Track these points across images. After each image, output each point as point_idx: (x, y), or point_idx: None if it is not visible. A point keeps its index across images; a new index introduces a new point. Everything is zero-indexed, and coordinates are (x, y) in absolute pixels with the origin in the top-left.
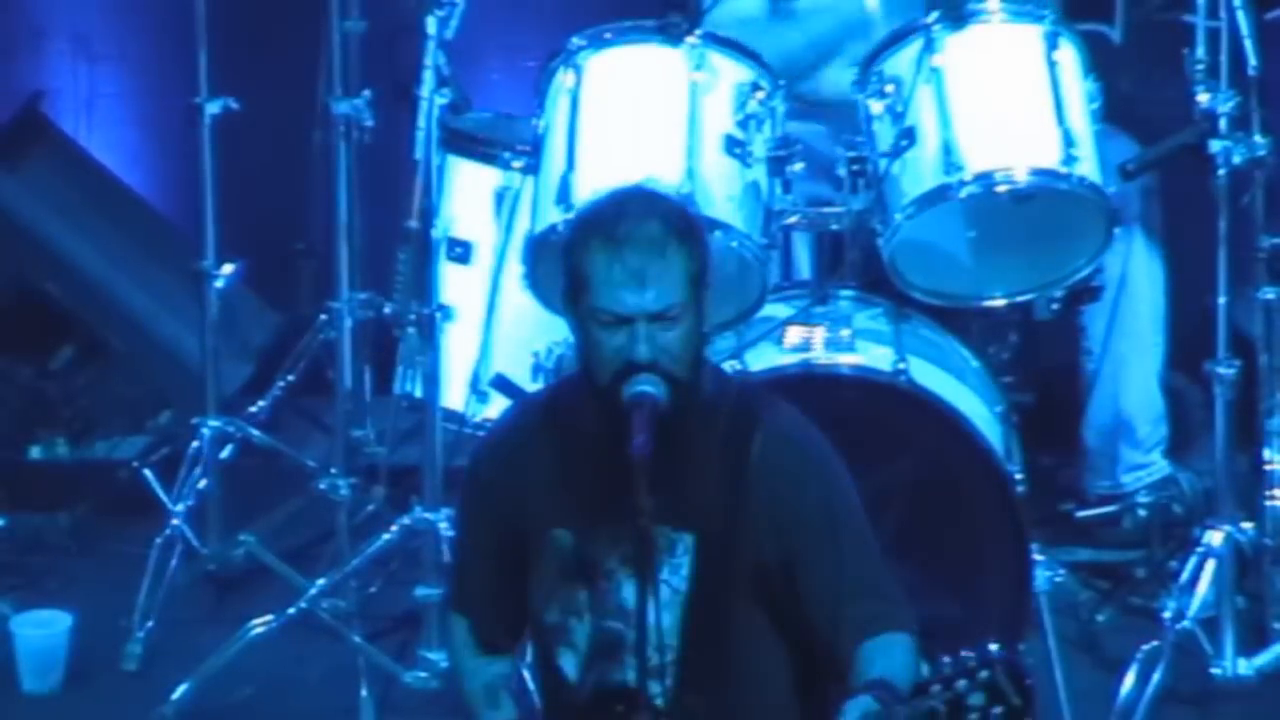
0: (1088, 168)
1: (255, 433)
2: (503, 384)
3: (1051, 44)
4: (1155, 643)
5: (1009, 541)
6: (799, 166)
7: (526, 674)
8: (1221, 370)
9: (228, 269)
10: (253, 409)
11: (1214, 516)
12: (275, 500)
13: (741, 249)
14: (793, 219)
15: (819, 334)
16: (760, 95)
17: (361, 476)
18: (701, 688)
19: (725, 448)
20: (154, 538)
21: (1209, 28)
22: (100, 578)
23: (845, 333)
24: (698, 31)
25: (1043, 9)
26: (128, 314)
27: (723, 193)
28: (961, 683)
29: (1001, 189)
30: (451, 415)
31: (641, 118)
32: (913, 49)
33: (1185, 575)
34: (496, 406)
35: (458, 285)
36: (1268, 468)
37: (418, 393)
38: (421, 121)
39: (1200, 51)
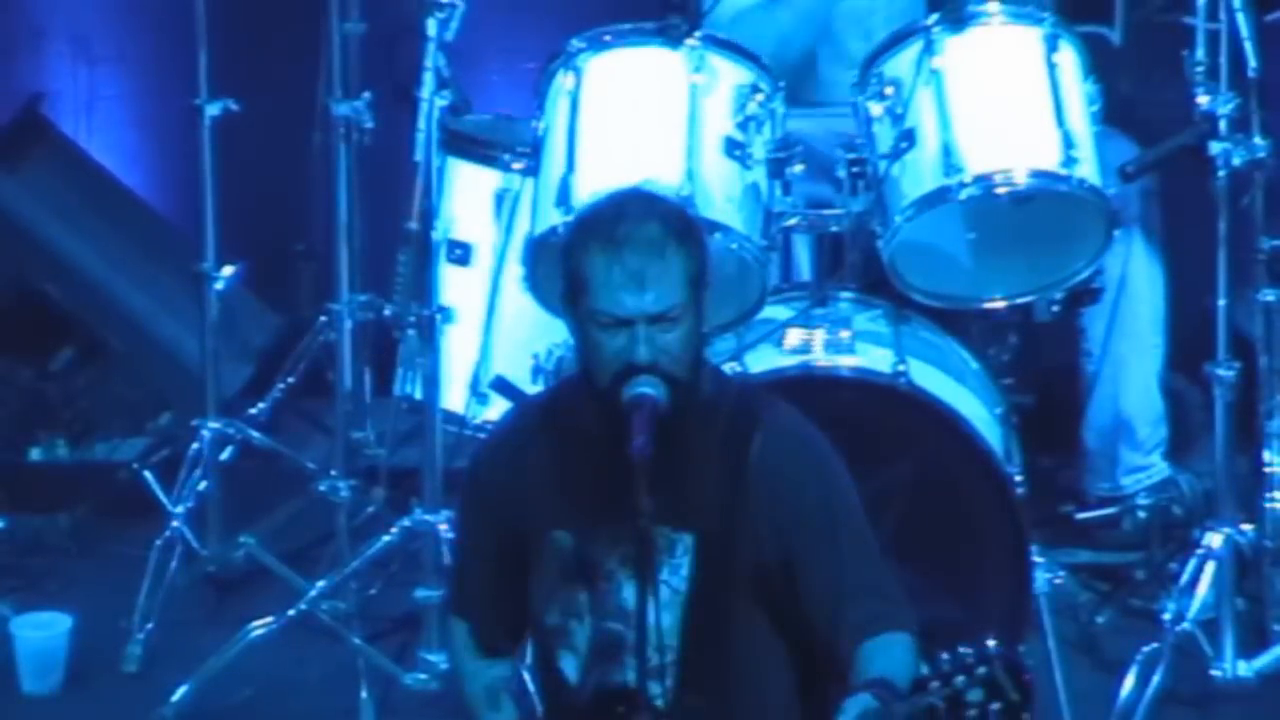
0: (1087, 169)
1: (255, 434)
2: (503, 386)
3: (1051, 46)
4: (1155, 644)
5: (1009, 543)
6: (799, 168)
7: (527, 676)
8: (1221, 372)
9: (228, 270)
10: (253, 411)
11: (1214, 518)
12: (275, 502)
13: (741, 251)
14: (792, 221)
15: (819, 336)
16: (760, 97)
17: (361, 478)
18: (701, 688)
19: (725, 448)
20: (154, 539)
21: (1209, 29)
22: (100, 579)
23: (845, 335)
24: (697, 33)
25: (1042, 11)
26: (128, 315)
27: (722, 194)
28: (960, 679)
29: (1001, 191)
30: (451, 417)
31: (641, 120)
32: (912, 51)
33: (1185, 577)
34: (496, 408)
35: (458, 287)
36: (1267, 470)
37: (418, 394)
38: (421, 123)
39: (1200, 53)
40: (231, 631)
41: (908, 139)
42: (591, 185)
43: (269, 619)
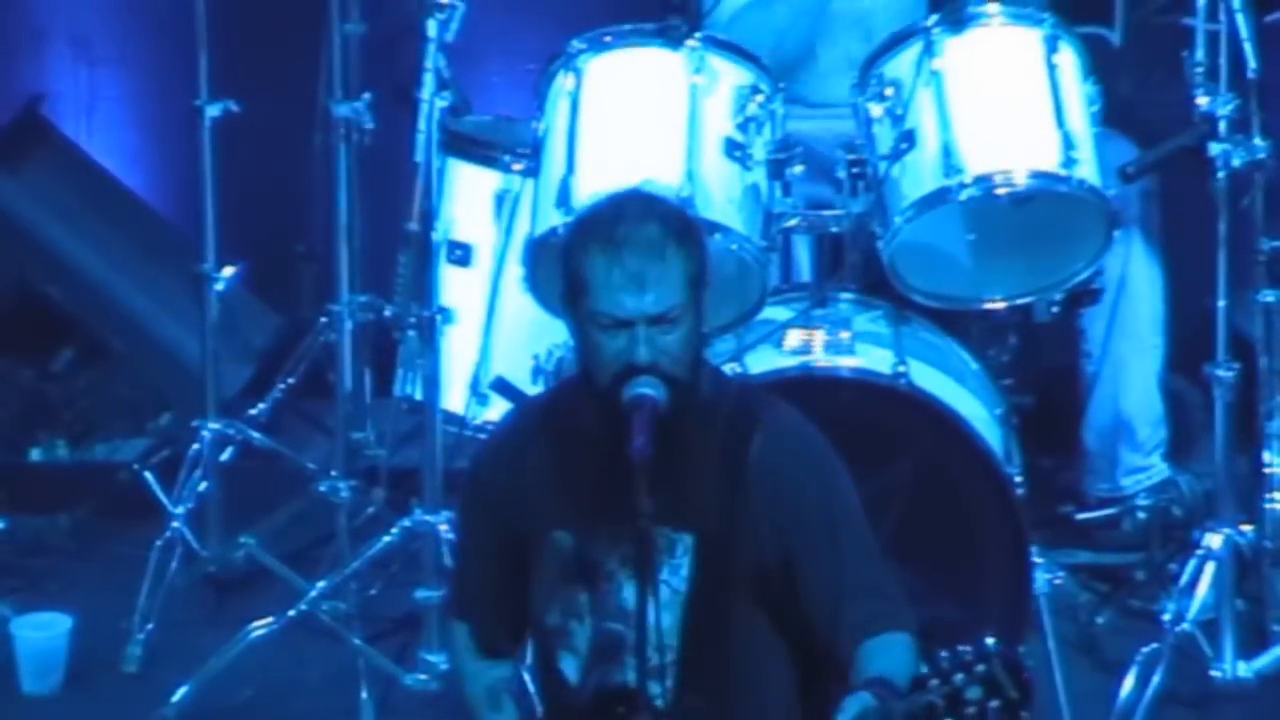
0: (1087, 170)
1: (256, 435)
2: (503, 386)
3: (1051, 47)
4: (1155, 645)
5: (1008, 544)
6: (799, 169)
7: (527, 677)
8: (1221, 373)
9: (228, 271)
10: (253, 411)
11: (1214, 519)
12: (275, 502)
13: (741, 251)
14: (792, 222)
15: (819, 337)
16: (760, 98)
17: (362, 479)
18: (702, 688)
19: (725, 448)
20: (154, 540)
21: (1208, 30)
22: (100, 580)
23: (845, 335)
24: (697, 34)
25: (1042, 12)
26: (128, 316)
27: (722, 195)
28: (959, 677)
29: (1001, 191)
30: (451, 418)
31: (641, 121)
32: (912, 52)
33: (1185, 578)
34: (496, 409)
35: (458, 288)
36: (1267, 470)
37: (418, 395)
38: (422, 124)
39: (1200, 54)
40: (232, 632)
41: (908, 140)
42: (591, 186)
43: (269, 619)
